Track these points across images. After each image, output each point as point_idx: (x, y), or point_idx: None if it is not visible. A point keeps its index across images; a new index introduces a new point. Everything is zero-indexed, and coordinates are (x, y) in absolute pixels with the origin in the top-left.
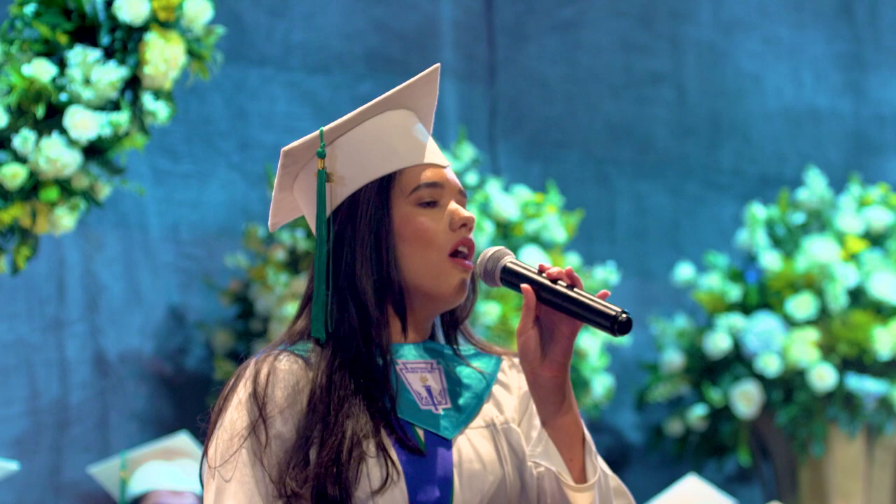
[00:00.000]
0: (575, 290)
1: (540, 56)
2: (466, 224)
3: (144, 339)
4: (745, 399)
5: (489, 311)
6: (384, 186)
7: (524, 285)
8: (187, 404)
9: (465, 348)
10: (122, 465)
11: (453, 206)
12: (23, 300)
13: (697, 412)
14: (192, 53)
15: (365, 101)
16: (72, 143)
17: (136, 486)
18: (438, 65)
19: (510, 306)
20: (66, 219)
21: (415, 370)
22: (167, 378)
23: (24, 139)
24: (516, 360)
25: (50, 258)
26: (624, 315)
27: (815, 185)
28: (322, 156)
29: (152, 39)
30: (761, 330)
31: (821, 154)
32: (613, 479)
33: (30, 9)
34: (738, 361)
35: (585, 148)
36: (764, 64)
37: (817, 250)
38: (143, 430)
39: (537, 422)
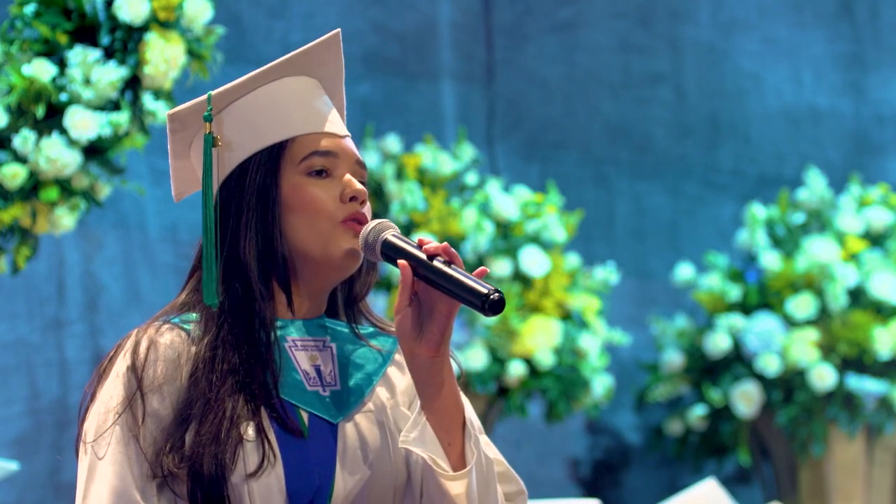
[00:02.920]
0: (452, 266)
1: (539, 56)
2: (357, 196)
3: None
4: (745, 399)
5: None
6: (274, 155)
7: (400, 261)
8: None
9: (363, 327)
10: None
11: (347, 177)
12: (23, 300)
13: (697, 412)
14: (192, 53)
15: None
16: (72, 143)
17: None
18: (338, 30)
19: (510, 306)
20: (66, 219)
21: (305, 348)
22: None
23: (24, 139)
24: None
25: (50, 258)
26: (496, 294)
27: (814, 185)
28: (209, 120)
29: (152, 39)
30: (761, 330)
31: (821, 154)
32: (500, 465)
33: (30, 9)
34: (738, 361)
35: (584, 148)
36: (763, 64)
37: (817, 250)
38: None
39: (462, 402)
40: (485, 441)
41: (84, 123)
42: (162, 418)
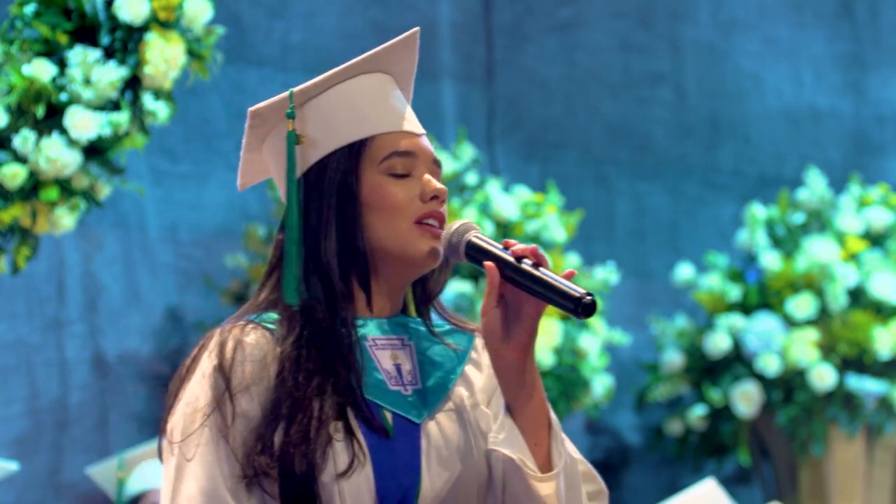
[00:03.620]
0: (540, 269)
1: (539, 56)
2: (438, 196)
3: (143, 339)
4: (745, 399)
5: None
6: (354, 153)
7: (487, 263)
8: None
9: (438, 324)
10: (120, 466)
11: (427, 177)
12: (23, 300)
13: (697, 412)
14: (192, 53)
15: None
16: (72, 143)
17: (134, 486)
18: (417, 28)
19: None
20: (66, 219)
21: (385, 347)
22: (166, 378)
23: (24, 139)
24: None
25: (50, 258)
26: (588, 297)
27: (815, 185)
28: (291, 117)
29: (152, 39)
30: (761, 330)
31: (821, 154)
32: (583, 464)
33: (30, 9)
34: (738, 361)
35: (584, 148)
36: (763, 64)
37: (817, 250)
38: (143, 430)
39: (547, 403)
40: (567, 441)
41: (84, 123)
42: (251, 418)
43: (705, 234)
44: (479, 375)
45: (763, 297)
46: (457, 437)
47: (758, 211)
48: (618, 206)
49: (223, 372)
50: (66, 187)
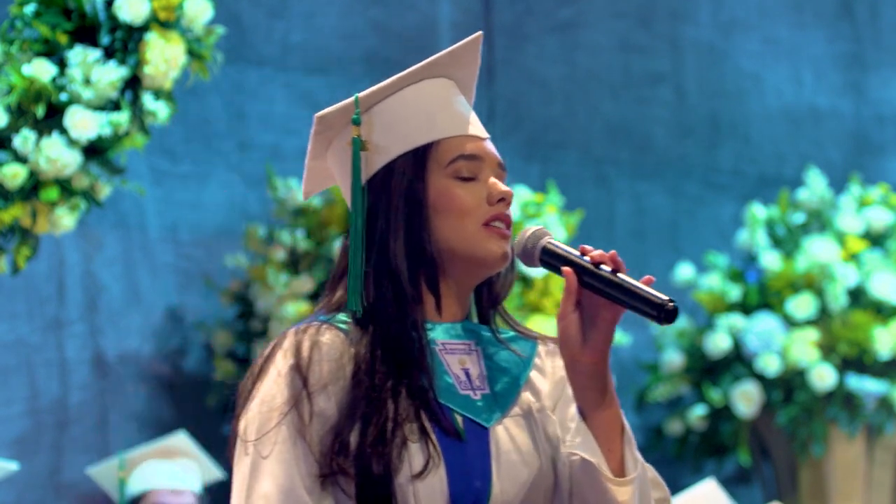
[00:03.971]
0: (619, 275)
1: (539, 56)
2: (505, 199)
3: (144, 339)
4: (745, 399)
5: None
6: (420, 157)
7: (565, 268)
8: (187, 405)
9: (502, 330)
10: (120, 466)
11: (492, 180)
12: (23, 300)
13: (697, 412)
14: (192, 53)
15: None
16: (72, 142)
17: (135, 486)
18: (480, 33)
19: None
20: (66, 219)
21: (454, 352)
22: (166, 378)
23: (24, 139)
24: (552, 346)
25: (50, 258)
26: (671, 304)
27: (815, 185)
28: (357, 123)
29: (152, 39)
30: (761, 330)
31: (821, 154)
32: (650, 471)
33: (30, 9)
34: (738, 361)
35: (584, 148)
36: (764, 64)
37: (817, 250)
38: (143, 430)
39: (572, 409)
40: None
41: (84, 123)
42: (328, 418)
43: (705, 234)
44: (543, 382)
45: (763, 297)
46: (525, 443)
47: (758, 211)
48: (618, 206)
49: (300, 371)
50: (66, 187)
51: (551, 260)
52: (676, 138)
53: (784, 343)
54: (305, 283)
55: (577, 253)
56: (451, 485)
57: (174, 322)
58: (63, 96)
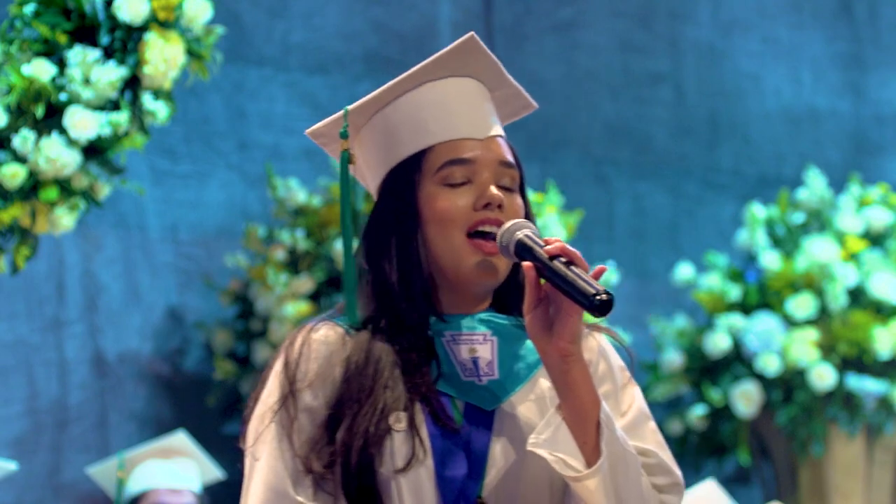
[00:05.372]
0: (571, 267)
1: (538, 56)
2: (491, 202)
3: (143, 339)
4: (745, 399)
5: None
6: (411, 167)
7: (525, 263)
8: (186, 404)
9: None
10: (120, 465)
11: (486, 182)
12: (22, 300)
13: (697, 412)
14: (192, 53)
15: None
16: (71, 142)
17: (134, 486)
18: (472, 33)
19: None
20: (65, 219)
21: (463, 342)
22: (166, 378)
23: (23, 139)
24: (584, 331)
25: (49, 258)
26: (605, 295)
27: (814, 185)
28: (344, 136)
29: (152, 39)
30: (761, 330)
31: (820, 154)
32: (653, 457)
33: (30, 9)
34: (738, 361)
35: (584, 148)
36: (763, 64)
37: (817, 250)
38: (143, 430)
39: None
40: (647, 431)
41: (84, 123)
42: (316, 414)
43: (705, 234)
44: None
45: (763, 296)
46: (532, 424)
47: (758, 211)
48: (618, 206)
49: (288, 369)
50: (65, 187)
51: (525, 255)
52: (676, 138)
53: (784, 343)
54: (305, 282)
55: (543, 245)
56: (439, 472)
57: (174, 322)
58: (63, 96)
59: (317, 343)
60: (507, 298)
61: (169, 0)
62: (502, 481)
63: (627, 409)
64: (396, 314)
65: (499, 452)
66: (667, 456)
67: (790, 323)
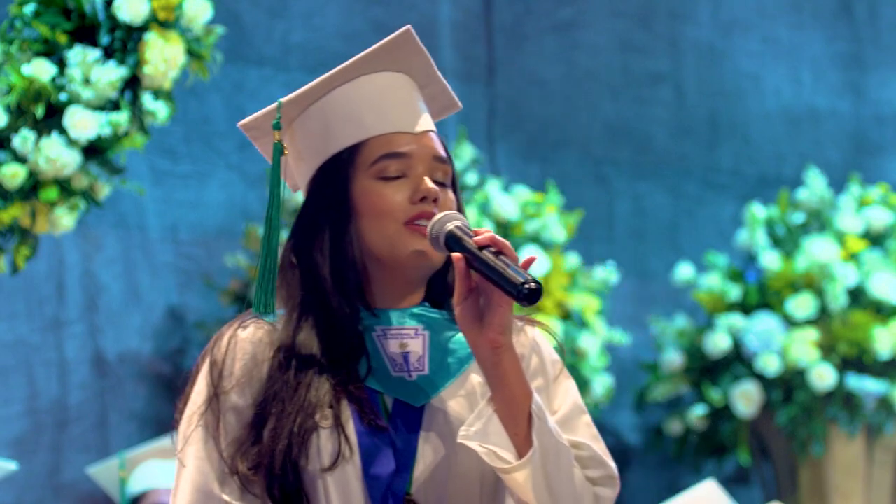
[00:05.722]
0: (500, 257)
1: (538, 56)
2: (427, 196)
3: (143, 339)
4: (745, 399)
5: None
6: (346, 160)
7: (454, 254)
8: None
9: None
10: (121, 465)
11: (421, 176)
12: (22, 300)
13: (697, 412)
14: (192, 53)
15: None
16: (71, 142)
17: (135, 486)
18: (408, 26)
19: None
20: (65, 219)
21: (394, 337)
22: (166, 378)
23: (23, 139)
24: (519, 325)
25: (49, 258)
26: (533, 284)
27: (814, 185)
28: (277, 128)
29: (152, 39)
30: (761, 330)
31: (820, 154)
32: (586, 449)
33: (30, 8)
34: (738, 361)
35: (584, 148)
36: (763, 64)
37: (817, 250)
38: (143, 430)
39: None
40: (581, 424)
41: (84, 123)
42: (243, 413)
43: (705, 234)
44: None
45: (763, 296)
46: (461, 419)
47: (758, 211)
48: (618, 206)
49: (214, 369)
50: (65, 187)
51: (453, 245)
52: (676, 138)
53: (784, 343)
54: None
55: (472, 236)
56: (366, 469)
57: (174, 322)
58: (63, 96)
59: (243, 341)
60: (440, 292)
61: (169, 0)
62: (431, 477)
63: (561, 403)
64: (327, 308)
65: (428, 448)
66: (600, 448)
67: (790, 323)
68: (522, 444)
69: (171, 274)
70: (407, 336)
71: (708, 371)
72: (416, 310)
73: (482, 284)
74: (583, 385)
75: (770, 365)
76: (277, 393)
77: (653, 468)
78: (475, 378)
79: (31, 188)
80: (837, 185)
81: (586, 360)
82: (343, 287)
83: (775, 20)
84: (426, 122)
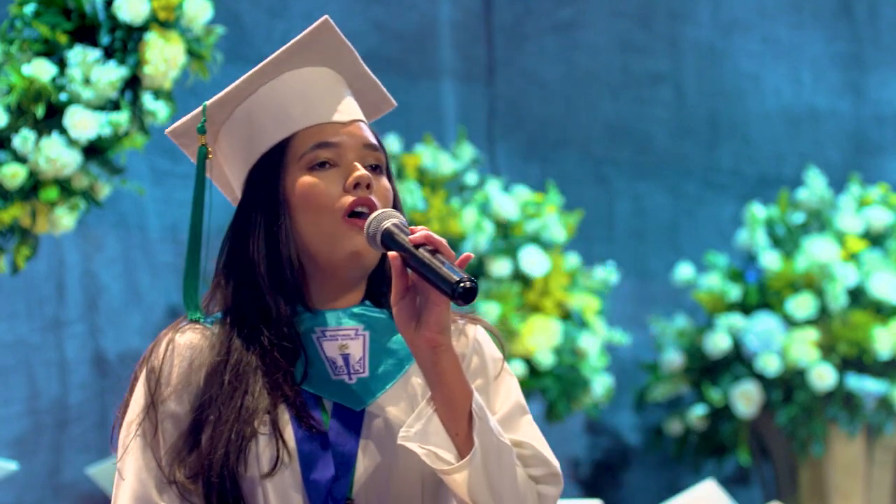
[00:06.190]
0: (437, 255)
1: (538, 56)
2: (360, 182)
3: (144, 339)
4: (745, 399)
5: (489, 311)
6: (276, 155)
7: (390, 253)
8: None
9: None
10: None
11: (352, 163)
12: (22, 300)
13: (697, 412)
14: (192, 53)
15: None
16: (71, 142)
17: None
18: (326, 17)
19: (510, 306)
20: (65, 219)
21: (333, 338)
22: None
23: (23, 139)
24: (461, 323)
25: (49, 258)
26: (468, 283)
27: (814, 185)
28: (202, 131)
29: (152, 39)
30: (761, 330)
31: (820, 154)
32: (528, 448)
33: (30, 8)
34: (738, 361)
35: (584, 148)
36: (763, 64)
37: (817, 250)
38: None
39: (470, 389)
40: (523, 423)
41: (84, 123)
42: (181, 420)
43: (705, 234)
44: None
45: (763, 296)
46: (401, 422)
47: (758, 211)
48: (618, 206)
49: (151, 376)
50: (65, 187)
51: (391, 245)
52: (676, 138)
53: (784, 343)
54: None
55: (409, 234)
56: (305, 476)
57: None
58: (63, 96)
59: (181, 346)
60: (379, 291)
61: (169, 0)
62: (371, 480)
63: (503, 403)
64: (264, 309)
65: (368, 452)
66: (543, 447)
67: (790, 323)
68: (463, 445)
69: (171, 274)
70: (346, 337)
71: (708, 371)
72: (356, 309)
73: (419, 283)
74: (583, 385)
75: (770, 365)
76: (214, 399)
77: (653, 468)
78: (416, 380)
79: (31, 188)
80: (837, 185)
81: (586, 360)
82: (281, 287)
83: (775, 20)
84: (354, 112)
